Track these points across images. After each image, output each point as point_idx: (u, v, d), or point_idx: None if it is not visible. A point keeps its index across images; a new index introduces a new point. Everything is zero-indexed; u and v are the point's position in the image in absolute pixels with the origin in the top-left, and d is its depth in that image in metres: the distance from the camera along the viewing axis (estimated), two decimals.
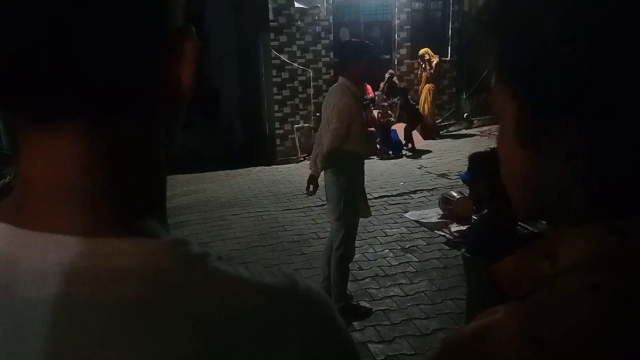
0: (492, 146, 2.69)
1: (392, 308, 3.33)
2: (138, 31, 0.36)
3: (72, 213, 0.37)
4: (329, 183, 3.12)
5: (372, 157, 7.67)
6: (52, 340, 0.35)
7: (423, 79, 9.06)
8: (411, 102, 8.50)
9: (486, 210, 2.40)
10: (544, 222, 0.50)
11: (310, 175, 3.27)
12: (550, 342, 0.37)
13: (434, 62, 8.84)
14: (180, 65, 0.40)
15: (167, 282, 0.36)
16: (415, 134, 8.92)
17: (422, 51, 8.90)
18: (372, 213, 3.77)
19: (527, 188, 0.47)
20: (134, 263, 0.36)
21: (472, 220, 4.35)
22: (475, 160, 2.40)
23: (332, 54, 8.52)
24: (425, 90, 9.03)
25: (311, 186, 3.28)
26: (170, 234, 0.41)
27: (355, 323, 3.16)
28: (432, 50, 8.92)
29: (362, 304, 3.37)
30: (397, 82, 8.73)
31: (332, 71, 8.51)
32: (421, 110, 9.14)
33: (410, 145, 8.34)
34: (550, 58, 0.40)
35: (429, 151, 8.32)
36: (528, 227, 3.65)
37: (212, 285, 0.37)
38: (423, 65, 9.00)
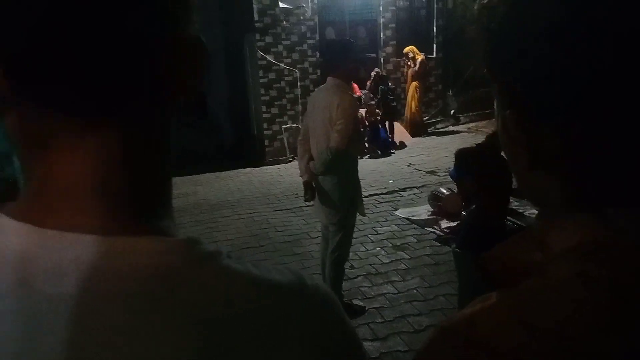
0: (477, 142, 2.73)
1: (385, 306, 3.36)
2: (150, 35, 0.38)
3: (89, 212, 0.38)
4: (329, 186, 3.05)
5: (364, 156, 7.70)
6: (70, 335, 0.35)
7: (409, 77, 9.11)
8: (389, 95, 8.52)
9: (474, 206, 2.43)
10: (533, 214, 0.52)
11: (305, 181, 3.15)
12: (542, 328, 0.38)
13: (418, 59, 8.90)
14: (188, 71, 0.42)
15: (180, 280, 0.37)
16: (403, 131, 8.97)
17: (406, 49, 8.97)
18: None
19: (523, 179, 0.48)
20: (148, 261, 0.37)
21: (462, 217, 4.39)
22: (462, 156, 2.43)
23: (318, 54, 8.52)
24: (412, 88, 9.08)
25: (309, 192, 3.16)
26: (179, 232, 0.42)
27: None
28: (417, 48, 8.98)
29: (355, 302, 3.39)
30: (384, 75, 8.76)
31: (318, 71, 8.51)
32: (408, 108, 9.20)
33: (391, 139, 8.41)
34: (538, 57, 0.41)
35: (404, 146, 8.38)
36: (517, 222, 3.71)
37: (222, 283, 0.38)
38: (408, 63, 9.06)
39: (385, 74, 8.90)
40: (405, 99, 9.29)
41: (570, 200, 0.43)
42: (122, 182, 0.39)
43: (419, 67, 8.91)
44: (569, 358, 0.37)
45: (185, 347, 0.36)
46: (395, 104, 8.73)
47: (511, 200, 3.60)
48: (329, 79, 3.05)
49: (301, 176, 3.19)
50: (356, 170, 3.16)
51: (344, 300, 3.35)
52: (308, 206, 5.62)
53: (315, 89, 3.36)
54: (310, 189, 3.14)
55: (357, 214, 3.19)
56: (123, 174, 0.39)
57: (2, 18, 0.35)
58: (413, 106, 9.15)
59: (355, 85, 8.16)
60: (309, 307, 0.41)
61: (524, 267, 0.43)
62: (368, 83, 8.62)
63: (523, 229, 0.56)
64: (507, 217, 2.49)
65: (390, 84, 8.79)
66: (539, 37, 0.41)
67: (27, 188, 0.40)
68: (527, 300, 0.40)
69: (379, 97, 8.47)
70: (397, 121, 8.80)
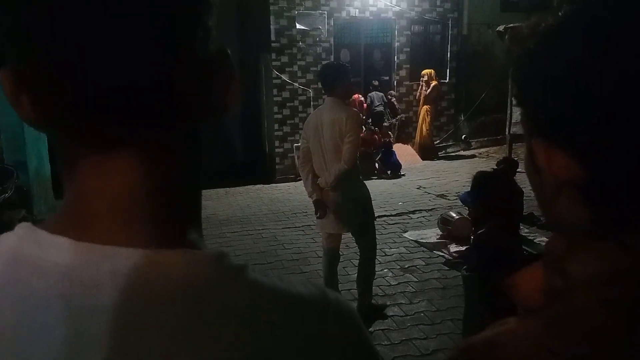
0: (494, 166, 2.73)
1: (391, 328, 3.33)
2: (192, 58, 0.40)
3: (125, 227, 0.39)
4: (344, 196, 3.19)
5: (372, 177, 7.72)
6: (106, 347, 0.36)
7: (421, 101, 9.16)
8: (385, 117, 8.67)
9: (482, 230, 2.43)
10: (543, 242, 0.52)
11: (317, 200, 3.28)
12: (562, 353, 0.38)
13: (432, 84, 8.95)
14: (223, 86, 0.43)
15: (213, 292, 0.38)
16: (413, 154, 8.97)
17: (424, 72, 9.01)
18: None
19: (546, 205, 0.48)
20: (181, 273, 0.38)
21: (471, 241, 4.36)
22: (478, 178, 2.43)
23: None
24: (423, 112, 9.12)
25: (321, 210, 3.30)
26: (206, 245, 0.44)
27: None
28: (435, 73, 9.03)
29: (364, 320, 3.39)
30: (395, 103, 8.81)
31: None
32: (419, 131, 9.22)
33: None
34: (566, 87, 0.42)
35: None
36: (527, 249, 3.67)
37: (253, 296, 0.40)
38: (422, 87, 9.11)
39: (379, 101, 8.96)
40: (416, 122, 9.32)
41: (593, 228, 0.43)
42: (156, 199, 0.41)
43: (430, 91, 8.96)
44: None
45: (228, 358, 0.37)
46: (392, 123, 8.77)
47: (521, 227, 3.58)
48: (328, 99, 3.27)
49: (310, 196, 3.34)
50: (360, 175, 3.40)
51: (372, 301, 3.55)
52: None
53: (313, 111, 3.57)
54: (322, 207, 3.28)
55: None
56: (157, 192, 0.41)
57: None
58: (424, 129, 9.17)
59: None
60: (337, 318, 0.43)
61: (545, 294, 0.43)
62: (365, 106, 8.64)
63: (534, 256, 0.56)
64: (518, 242, 2.47)
65: (395, 105, 8.84)
66: (573, 68, 0.41)
67: (64, 204, 0.42)
68: (549, 325, 0.40)
69: (396, 129, 8.53)
70: (406, 143, 8.82)
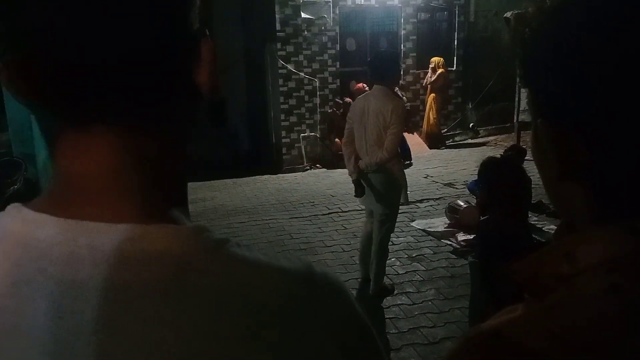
0: (501, 153, 2.71)
1: (399, 316, 3.33)
2: (167, 39, 0.40)
3: (104, 203, 0.40)
4: (381, 182, 3.45)
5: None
6: (89, 320, 0.37)
7: (428, 89, 9.10)
8: None
9: (488, 216, 2.41)
10: (551, 230, 0.51)
11: (355, 180, 3.54)
12: (572, 340, 0.38)
13: (438, 72, 8.87)
14: (199, 67, 0.44)
15: (191, 266, 0.38)
16: (421, 143, 8.93)
17: (433, 59, 8.92)
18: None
19: (552, 189, 0.48)
20: (159, 247, 0.38)
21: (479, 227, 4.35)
22: (485, 165, 2.41)
23: (338, 64, 8.57)
24: (430, 100, 9.06)
25: (359, 189, 3.55)
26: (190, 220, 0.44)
27: None
28: (443, 61, 8.93)
29: (372, 308, 3.46)
30: (399, 92, 8.71)
31: (338, 80, 8.56)
32: (426, 120, 9.17)
33: None
34: (572, 68, 0.41)
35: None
36: (536, 237, 3.65)
37: (232, 269, 0.39)
38: (428, 75, 9.04)
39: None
40: (423, 110, 9.26)
41: (600, 212, 0.43)
42: (135, 176, 0.41)
43: (436, 79, 8.89)
44: None
45: (197, 332, 0.37)
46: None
47: (530, 215, 3.56)
48: (377, 87, 3.42)
49: (350, 175, 3.60)
50: (402, 166, 3.60)
51: (385, 282, 3.68)
52: (324, 214, 5.65)
53: (361, 96, 3.72)
54: (360, 186, 3.53)
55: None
56: (137, 169, 0.41)
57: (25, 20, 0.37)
58: (431, 118, 9.11)
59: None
60: (318, 293, 0.42)
61: (551, 280, 0.43)
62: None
63: (543, 244, 0.55)
64: (526, 229, 2.45)
65: (400, 94, 8.73)
66: (573, 49, 0.41)
67: (51, 182, 0.43)
68: (556, 312, 0.40)
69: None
70: (412, 132, 8.77)
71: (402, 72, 3.86)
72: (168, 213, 0.42)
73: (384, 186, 3.46)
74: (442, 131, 9.44)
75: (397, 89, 8.14)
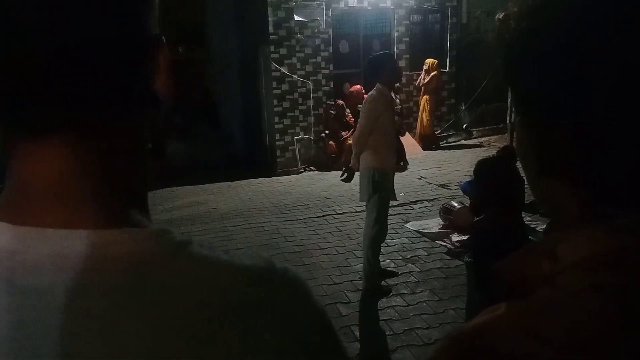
0: (493, 154, 2.73)
1: (394, 318, 3.33)
2: (122, 45, 0.40)
3: (62, 210, 0.40)
4: (361, 172, 3.63)
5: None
6: (52, 327, 0.37)
7: (422, 90, 9.12)
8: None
9: (483, 216, 2.42)
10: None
11: (349, 167, 3.72)
12: (552, 338, 0.37)
13: (432, 73, 8.90)
14: (156, 73, 0.44)
15: (152, 269, 0.39)
16: (414, 145, 8.95)
17: (427, 60, 8.93)
18: None
19: (535, 186, 0.48)
20: (121, 251, 0.38)
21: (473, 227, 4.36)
22: (479, 165, 2.42)
23: (331, 66, 8.58)
24: (423, 102, 9.08)
25: (346, 174, 3.73)
26: (153, 224, 0.44)
27: (357, 333, 3.15)
28: (437, 63, 8.95)
29: (367, 310, 3.42)
30: (392, 94, 8.69)
31: (331, 83, 8.57)
32: (419, 121, 9.18)
33: None
34: (550, 66, 0.42)
35: None
36: (529, 238, 3.66)
37: (192, 270, 0.40)
38: (422, 76, 9.07)
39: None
40: (416, 112, 9.28)
41: (582, 209, 0.43)
42: (93, 182, 0.41)
43: (429, 81, 8.91)
44: None
45: (158, 333, 0.37)
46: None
47: (524, 215, 3.57)
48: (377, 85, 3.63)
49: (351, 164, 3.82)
50: (388, 161, 3.64)
51: (376, 281, 3.71)
52: (318, 217, 5.65)
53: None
54: (349, 172, 3.71)
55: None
56: (94, 174, 0.41)
57: None
58: (424, 119, 9.13)
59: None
60: (283, 288, 0.43)
61: (534, 279, 0.43)
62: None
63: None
64: (520, 229, 2.46)
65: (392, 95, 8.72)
66: (551, 48, 0.42)
67: (4, 191, 0.42)
68: (538, 311, 0.40)
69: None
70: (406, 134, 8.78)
71: (397, 71, 3.83)
72: (129, 217, 0.42)
73: (361, 178, 3.64)
74: (436, 133, 9.46)
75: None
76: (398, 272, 3.97)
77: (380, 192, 3.56)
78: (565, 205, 0.44)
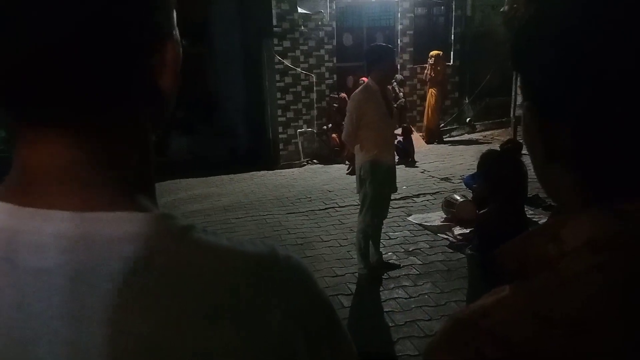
0: (499, 147, 2.73)
1: (395, 310, 3.34)
2: (129, 42, 0.40)
3: (67, 193, 0.40)
4: (355, 164, 3.70)
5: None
6: (54, 306, 0.37)
7: (427, 84, 9.08)
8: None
9: (486, 209, 2.42)
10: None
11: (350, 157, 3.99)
12: (556, 319, 0.38)
13: (439, 66, 8.85)
14: (162, 69, 0.44)
15: (157, 249, 0.39)
16: (417, 138, 8.92)
17: (432, 53, 8.86)
18: None
19: (540, 172, 0.49)
20: (125, 231, 0.39)
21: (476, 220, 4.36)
22: (483, 158, 2.42)
23: (335, 59, 8.55)
24: (429, 95, 9.05)
25: (351, 168, 3.99)
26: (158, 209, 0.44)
27: (359, 325, 3.17)
28: (442, 55, 8.90)
29: (369, 302, 3.45)
30: (397, 88, 8.65)
31: (335, 76, 8.55)
32: (425, 115, 9.16)
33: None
34: (556, 53, 0.42)
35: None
36: None
37: (196, 253, 0.40)
38: (429, 68, 9.00)
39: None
40: (421, 105, 9.25)
41: (585, 194, 0.44)
42: (98, 168, 0.41)
43: (435, 75, 8.87)
44: (583, 347, 0.37)
45: (161, 313, 0.37)
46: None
47: (526, 209, 3.57)
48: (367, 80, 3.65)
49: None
50: (385, 154, 3.62)
51: (367, 265, 3.76)
52: (320, 210, 5.66)
53: None
54: (351, 162, 3.95)
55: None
56: (99, 161, 0.41)
57: None
58: (429, 113, 9.11)
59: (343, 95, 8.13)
60: (285, 274, 0.43)
61: (537, 262, 0.43)
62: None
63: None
64: (524, 223, 2.46)
65: (396, 89, 8.65)
66: (559, 35, 0.42)
67: (10, 174, 0.42)
68: (542, 293, 0.40)
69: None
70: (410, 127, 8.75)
71: (393, 64, 3.67)
72: (136, 202, 0.42)
73: (359, 170, 3.67)
74: (440, 126, 9.44)
75: (395, 83, 8.21)
76: (400, 265, 3.99)
77: (370, 184, 3.56)
78: (569, 190, 0.45)
